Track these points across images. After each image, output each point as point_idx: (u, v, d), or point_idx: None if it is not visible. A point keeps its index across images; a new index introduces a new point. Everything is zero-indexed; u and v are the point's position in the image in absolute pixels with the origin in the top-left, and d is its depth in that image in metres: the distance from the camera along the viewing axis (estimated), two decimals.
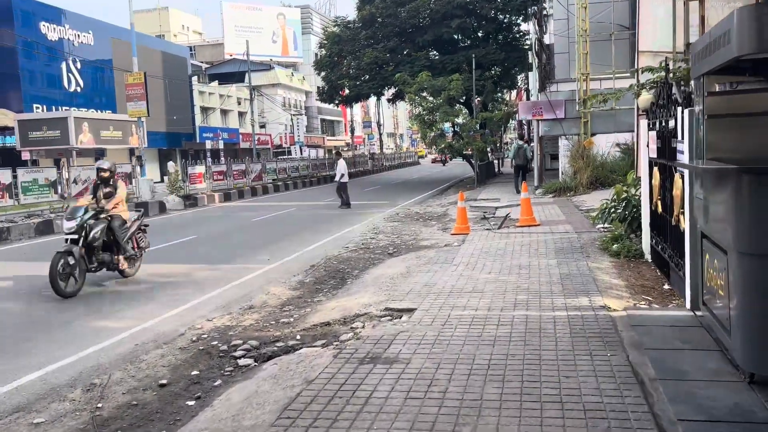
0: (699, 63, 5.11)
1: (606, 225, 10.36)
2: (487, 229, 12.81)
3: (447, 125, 31.72)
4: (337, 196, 20.42)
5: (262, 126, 62.25)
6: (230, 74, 60.14)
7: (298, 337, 6.26)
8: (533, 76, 24.80)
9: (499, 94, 40.43)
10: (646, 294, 6.90)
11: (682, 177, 6.31)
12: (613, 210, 9.50)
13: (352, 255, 11.17)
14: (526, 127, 34.05)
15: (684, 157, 6.01)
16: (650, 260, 8.67)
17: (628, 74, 18.72)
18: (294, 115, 63.77)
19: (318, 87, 39.59)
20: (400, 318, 6.31)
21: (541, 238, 10.67)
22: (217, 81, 58.60)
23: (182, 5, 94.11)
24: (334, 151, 35.76)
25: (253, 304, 7.99)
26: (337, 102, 38.10)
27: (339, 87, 35.38)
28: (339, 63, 34.64)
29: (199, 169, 23.36)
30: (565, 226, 11.81)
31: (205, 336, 6.61)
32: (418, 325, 5.89)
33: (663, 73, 8.46)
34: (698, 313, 5.65)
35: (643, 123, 8.80)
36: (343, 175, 20.45)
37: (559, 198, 18.25)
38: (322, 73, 36.16)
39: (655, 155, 7.97)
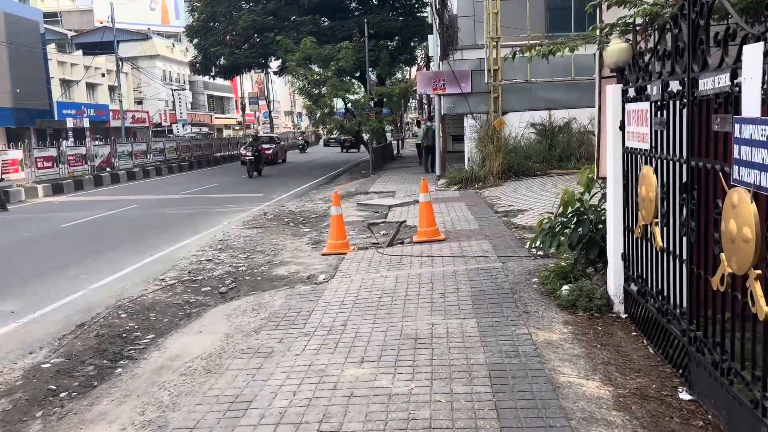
0: None
1: (538, 245, 6.87)
2: (374, 243, 9.15)
3: (340, 103, 27.86)
4: None
5: (139, 102, 55.57)
6: (101, 44, 52.70)
7: None
8: (433, 41, 21.21)
9: (397, 69, 36.90)
10: (661, 426, 3.44)
11: (757, 198, 2.85)
12: (559, 229, 6.02)
13: (160, 297, 7.14)
14: (426, 105, 30.72)
15: None
16: (623, 314, 5.31)
17: (547, 41, 15.63)
18: (175, 90, 57.29)
19: (192, 57, 34.38)
20: None
21: (448, 269, 7.06)
22: (81, 51, 51.22)
23: None
24: None
25: None
26: (212, 74, 33.04)
27: (214, 56, 30.39)
28: (213, 28, 29.67)
29: (14, 154, 17.86)
30: (481, 243, 8.27)
31: None
32: None
33: (649, 4, 4.99)
34: None
35: (612, 90, 5.35)
36: None
37: (466, 191, 14.88)
38: (195, 41, 31.04)
39: (646, 145, 4.54)
